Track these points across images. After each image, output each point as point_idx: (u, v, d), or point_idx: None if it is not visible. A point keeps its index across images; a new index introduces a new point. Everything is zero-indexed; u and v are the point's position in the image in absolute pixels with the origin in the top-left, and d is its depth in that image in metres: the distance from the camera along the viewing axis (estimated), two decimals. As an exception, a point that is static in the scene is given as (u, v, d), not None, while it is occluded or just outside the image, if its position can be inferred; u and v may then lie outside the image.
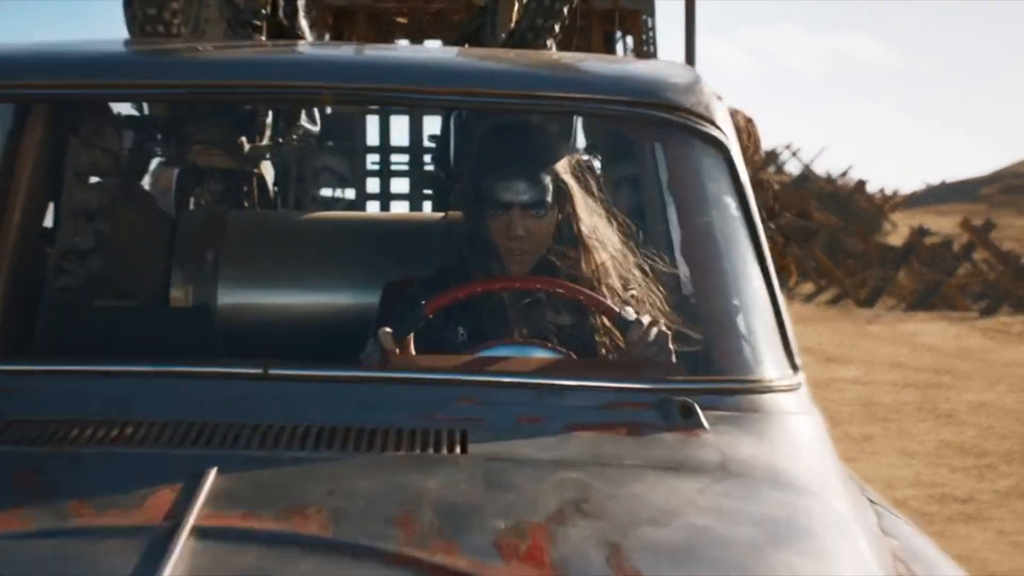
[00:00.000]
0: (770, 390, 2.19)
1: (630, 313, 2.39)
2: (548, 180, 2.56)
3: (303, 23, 3.79)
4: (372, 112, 13.37)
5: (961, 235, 24.08)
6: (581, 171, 2.68)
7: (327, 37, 13.73)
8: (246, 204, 4.33)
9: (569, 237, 2.61)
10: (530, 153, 2.60)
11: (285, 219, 4.10)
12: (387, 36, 13.46)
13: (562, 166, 2.63)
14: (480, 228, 2.62)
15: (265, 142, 4.14)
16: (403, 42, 13.49)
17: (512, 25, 3.64)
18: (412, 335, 2.36)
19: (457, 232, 2.77)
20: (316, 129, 4.52)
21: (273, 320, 3.42)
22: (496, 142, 2.68)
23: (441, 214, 3.71)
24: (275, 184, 4.25)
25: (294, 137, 4.37)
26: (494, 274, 2.59)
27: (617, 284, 2.61)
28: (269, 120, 4.16)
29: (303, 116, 4.33)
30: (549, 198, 2.56)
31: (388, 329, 2.34)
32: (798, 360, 2.28)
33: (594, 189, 2.69)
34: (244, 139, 4.01)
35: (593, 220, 2.65)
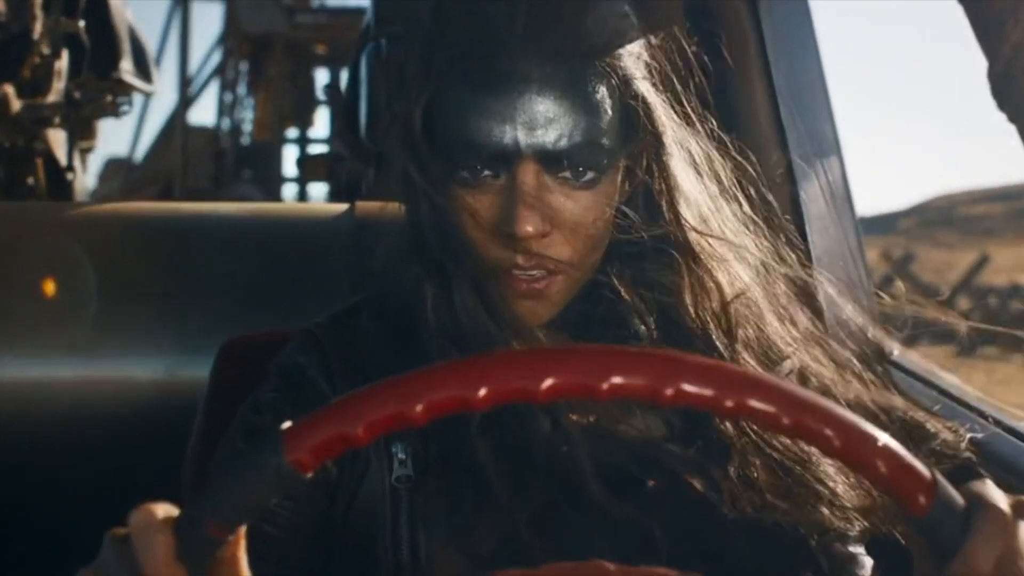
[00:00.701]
0: None
1: (948, 486, 0.68)
2: (602, 92, 1.00)
3: None
4: (289, 141, 12.05)
5: (880, 267, 23.50)
6: (674, 70, 1.08)
7: (246, 67, 12.51)
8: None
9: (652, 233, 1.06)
10: (557, 19, 1.00)
11: (32, 214, 2.17)
12: (306, 65, 12.14)
13: (631, 59, 1.03)
14: (435, 217, 1.05)
15: (52, 98, 2.40)
16: (322, 71, 12.16)
17: None
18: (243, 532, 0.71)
19: (379, 235, 1.12)
20: (151, 88, 2.77)
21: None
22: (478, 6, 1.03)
23: (344, 205, 1.96)
24: (69, 166, 2.49)
25: (112, 98, 2.63)
26: (487, 334, 1.01)
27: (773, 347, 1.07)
28: (62, 64, 2.43)
29: (125, 59, 2.59)
30: (606, 140, 1.00)
31: (158, 512, 0.69)
32: None
33: (693, 112, 1.09)
34: (10, 89, 2.27)
35: (699, 189, 1.08)
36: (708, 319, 1.03)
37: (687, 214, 1.04)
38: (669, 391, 0.63)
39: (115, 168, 11.58)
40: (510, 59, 0.96)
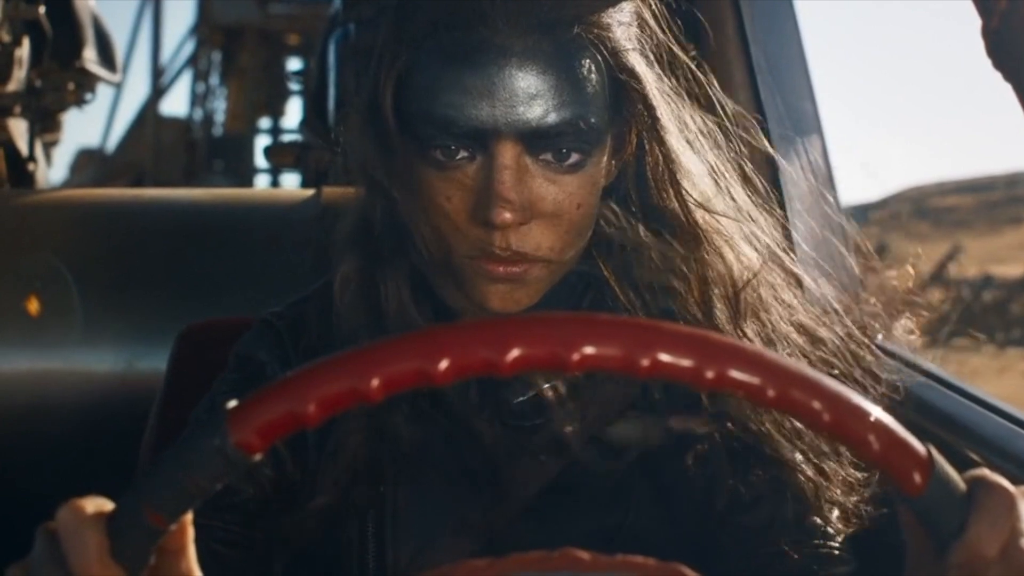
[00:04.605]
0: None
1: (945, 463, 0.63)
2: (589, 65, 0.91)
3: None
4: (262, 131, 11.93)
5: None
6: (665, 43, 0.99)
7: (219, 57, 12.40)
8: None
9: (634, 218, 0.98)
10: None
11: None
12: (279, 55, 12.05)
13: (620, 29, 0.94)
14: (406, 200, 0.96)
15: (13, 87, 2.34)
16: (294, 61, 12.06)
17: None
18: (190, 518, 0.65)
19: (343, 220, 1.02)
20: (116, 77, 2.70)
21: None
22: None
23: (310, 191, 1.91)
24: (30, 156, 2.42)
25: (72, 85, 2.56)
26: (451, 312, 0.97)
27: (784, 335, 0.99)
28: (23, 52, 2.37)
29: (89, 47, 2.52)
30: (593, 118, 0.91)
31: (87, 508, 0.63)
32: None
33: (686, 85, 1.00)
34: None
35: (700, 166, 0.99)
36: (714, 306, 0.95)
37: (691, 192, 0.96)
38: (645, 362, 0.57)
39: (86, 159, 11.46)
40: (488, 29, 0.88)
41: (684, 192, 0.96)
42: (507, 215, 0.88)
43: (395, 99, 0.92)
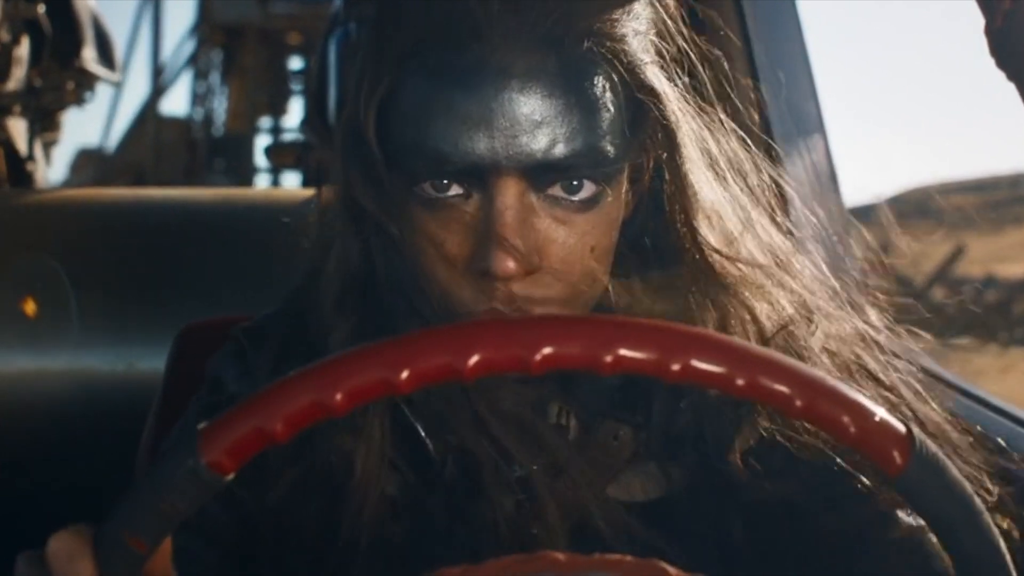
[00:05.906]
0: None
1: None
2: (603, 84, 0.79)
3: None
4: (263, 131, 11.98)
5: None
6: (691, 55, 0.88)
7: (219, 56, 12.45)
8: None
9: (662, 253, 0.87)
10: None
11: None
12: (280, 54, 12.11)
13: (637, 39, 0.82)
14: (403, 247, 0.85)
15: (12, 86, 2.34)
16: (296, 60, 12.11)
17: None
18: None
19: (325, 278, 0.93)
20: (115, 76, 2.71)
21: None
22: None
23: (311, 190, 1.92)
24: (29, 156, 2.43)
25: (72, 85, 2.57)
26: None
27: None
28: (22, 51, 2.37)
29: (88, 47, 2.52)
30: (609, 146, 0.79)
31: (76, 538, 0.61)
32: None
33: (716, 107, 0.90)
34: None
35: (724, 199, 0.88)
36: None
37: (708, 235, 0.84)
38: (608, 358, 0.57)
39: (86, 158, 11.52)
40: (484, 45, 0.77)
41: (699, 234, 0.85)
42: (510, 264, 0.76)
43: (379, 127, 0.81)
